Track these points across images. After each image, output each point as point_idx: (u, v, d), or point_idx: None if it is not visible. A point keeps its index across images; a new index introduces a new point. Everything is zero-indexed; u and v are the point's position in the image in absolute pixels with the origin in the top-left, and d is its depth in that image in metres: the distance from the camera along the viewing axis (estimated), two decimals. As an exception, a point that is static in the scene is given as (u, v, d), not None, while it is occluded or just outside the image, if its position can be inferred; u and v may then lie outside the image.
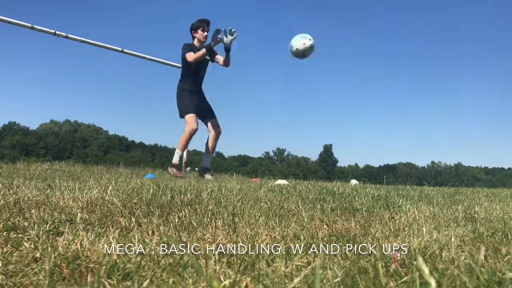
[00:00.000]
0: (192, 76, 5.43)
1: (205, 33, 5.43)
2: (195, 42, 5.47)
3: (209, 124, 5.51)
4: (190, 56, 5.27)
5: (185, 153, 6.85)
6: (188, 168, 6.28)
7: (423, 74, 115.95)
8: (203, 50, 5.19)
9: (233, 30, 5.12)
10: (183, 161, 6.78)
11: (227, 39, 5.12)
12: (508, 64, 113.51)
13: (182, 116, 5.35)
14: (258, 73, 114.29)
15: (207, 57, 5.41)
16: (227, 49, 5.24)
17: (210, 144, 5.55)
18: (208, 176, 5.18)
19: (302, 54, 4.58)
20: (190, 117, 5.25)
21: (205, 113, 5.52)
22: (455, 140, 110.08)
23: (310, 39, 4.57)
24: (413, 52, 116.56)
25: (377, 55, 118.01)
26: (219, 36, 5.17)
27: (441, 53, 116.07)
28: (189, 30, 5.52)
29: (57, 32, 5.68)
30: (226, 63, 5.40)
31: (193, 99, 5.39)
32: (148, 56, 6.97)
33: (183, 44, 5.47)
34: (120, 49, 6.50)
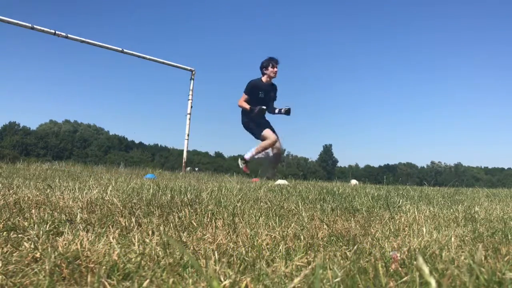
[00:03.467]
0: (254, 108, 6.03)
1: (275, 69, 6.08)
2: (264, 79, 6.10)
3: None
4: (241, 102, 6.04)
5: (185, 153, 6.84)
6: (188, 168, 6.27)
7: (423, 74, 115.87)
8: (249, 108, 5.94)
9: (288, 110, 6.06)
10: (183, 161, 6.78)
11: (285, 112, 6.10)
12: (508, 64, 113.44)
13: (258, 136, 5.99)
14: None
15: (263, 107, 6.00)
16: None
17: (273, 160, 6.11)
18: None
19: None
20: (267, 131, 5.90)
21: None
22: (455, 140, 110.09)
23: None
24: (413, 52, 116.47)
25: (377, 55, 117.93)
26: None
27: (441, 53, 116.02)
28: (260, 67, 6.13)
29: (57, 32, 5.68)
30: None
31: (260, 121, 6.05)
32: (148, 56, 6.97)
33: (250, 80, 6.11)
34: (120, 49, 6.49)
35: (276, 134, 6.02)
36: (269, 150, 6.01)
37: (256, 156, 6.03)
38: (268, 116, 6.19)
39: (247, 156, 5.99)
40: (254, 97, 6.04)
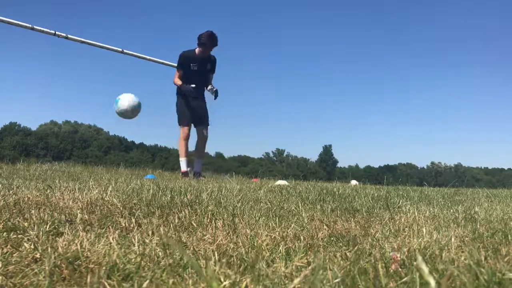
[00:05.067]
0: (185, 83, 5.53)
1: (207, 52, 5.48)
2: (197, 51, 5.53)
3: (197, 130, 5.62)
4: (175, 79, 5.53)
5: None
6: (188, 169, 6.27)
7: (423, 74, 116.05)
8: (180, 84, 5.43)
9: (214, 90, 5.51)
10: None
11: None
12: (508, 64, 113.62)
13: (178, 122, 5.54)
14: (257, 73, 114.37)
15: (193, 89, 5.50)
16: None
17: (196, 149, 5.69)
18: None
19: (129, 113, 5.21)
20: (182, 123, 5.45)
21: (198, 119, 5.60)
22: (455, 140, 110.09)
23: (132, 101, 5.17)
24: (413, 52, 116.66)
25: (377, 55, 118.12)
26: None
27: (441, 53, 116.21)
28: (197, 38, 5.50)
29: (57, 32, 5.68)
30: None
31: (186, 105, 5.52)
32: (148, 57, 6.97)
33: (182, 51, 5.58)
34: (120, 49, 6.50)
35: (200, 124, 5.56)
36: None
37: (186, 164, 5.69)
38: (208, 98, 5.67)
39: (183, 169, 5.61)
40: (187, 69, 5.46)
